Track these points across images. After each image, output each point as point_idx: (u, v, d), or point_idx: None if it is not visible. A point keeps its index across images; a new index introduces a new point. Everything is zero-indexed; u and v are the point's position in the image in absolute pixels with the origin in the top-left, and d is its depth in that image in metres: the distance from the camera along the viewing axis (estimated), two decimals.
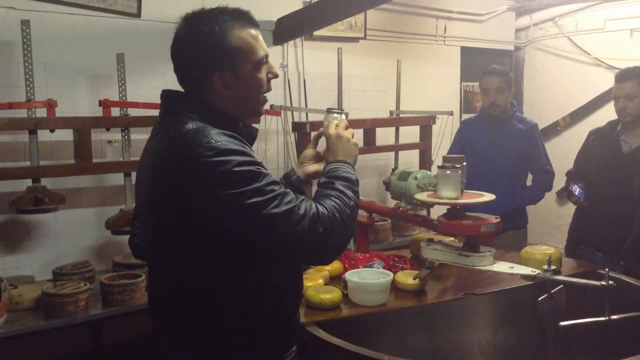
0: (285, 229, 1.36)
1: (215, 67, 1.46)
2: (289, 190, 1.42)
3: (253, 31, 1.50)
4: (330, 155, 1.69)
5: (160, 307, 1.56)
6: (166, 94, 1.54)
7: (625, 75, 3.00)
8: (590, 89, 5.04)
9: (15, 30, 2.83)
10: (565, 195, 3.19)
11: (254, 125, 1.58)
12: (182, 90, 1.54)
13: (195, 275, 1.44)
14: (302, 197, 1.44)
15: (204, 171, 1.33)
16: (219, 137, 1.36)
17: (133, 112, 3.12)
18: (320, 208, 1.42)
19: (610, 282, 1.76)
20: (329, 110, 1.80)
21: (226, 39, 1.46)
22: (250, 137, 1.54)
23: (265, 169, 1.40)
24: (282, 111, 3.81)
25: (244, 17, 1.50)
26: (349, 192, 1.53)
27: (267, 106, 3.52)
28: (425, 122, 4.23)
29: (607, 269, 1.82)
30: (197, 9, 1.51)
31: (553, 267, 1.90)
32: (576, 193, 3.04)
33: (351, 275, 2.12)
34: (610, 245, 2.95)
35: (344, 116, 1.78)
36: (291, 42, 4.02)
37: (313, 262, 1.59)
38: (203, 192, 1.34)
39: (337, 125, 1.72)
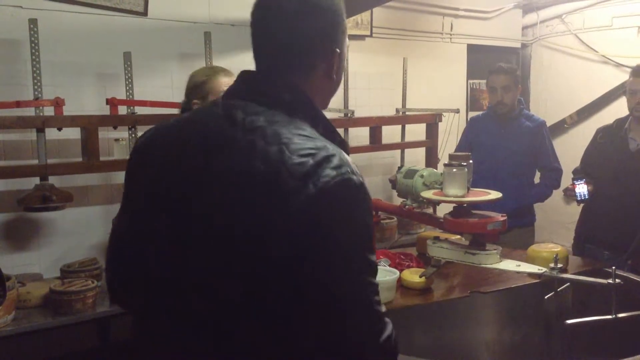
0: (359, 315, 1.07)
1: (336, 44, 1.22)
2: None
3: None
4: None
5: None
6: (255, 77, 1.22)
7: None
8: (597, 87, 5.01)
9: (23, 29, 2.83)
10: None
11: None
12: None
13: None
14: None
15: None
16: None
17: (140, 110, 3.13)
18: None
19: (617, 280, 1.76)
20: None
21: (342, 13, 1.23)
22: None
23: None
24: None
25: None
26: None
27: None
28: (432, 120, 4.22)
29: (614, 267, 1.82)
30: None
31: (560, 266, 1.90)
32: (576, 191, 2.94)
33: None
34: (617, 243, 2.94)
35: None
36: None
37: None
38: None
39: None
